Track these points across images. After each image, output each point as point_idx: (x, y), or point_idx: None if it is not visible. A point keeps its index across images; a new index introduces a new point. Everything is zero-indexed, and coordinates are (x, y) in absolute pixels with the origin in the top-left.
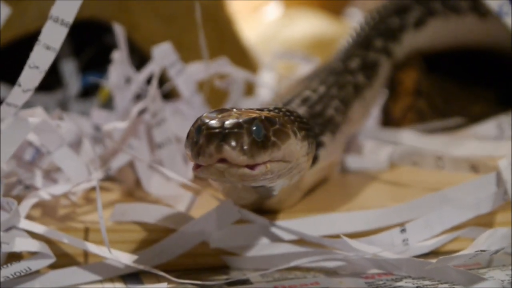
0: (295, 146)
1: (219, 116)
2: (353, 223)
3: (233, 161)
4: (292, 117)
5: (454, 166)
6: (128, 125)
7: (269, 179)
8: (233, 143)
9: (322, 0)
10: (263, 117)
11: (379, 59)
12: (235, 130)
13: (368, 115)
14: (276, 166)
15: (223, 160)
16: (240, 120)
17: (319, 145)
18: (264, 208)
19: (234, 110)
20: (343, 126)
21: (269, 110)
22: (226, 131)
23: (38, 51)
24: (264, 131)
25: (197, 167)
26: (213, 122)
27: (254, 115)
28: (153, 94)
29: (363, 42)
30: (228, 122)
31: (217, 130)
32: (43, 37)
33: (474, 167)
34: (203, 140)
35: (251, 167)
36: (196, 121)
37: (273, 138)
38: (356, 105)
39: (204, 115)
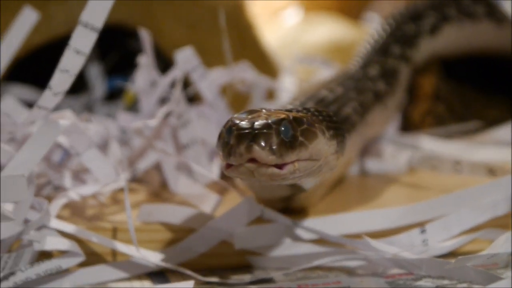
0: (323, 145)
1: (249, 116)
2: (373, 222)
3: (262, 160)
4: (320, 117)
5: (472, 170)
6: (157, 123)
7: (298, 177)
8: (263, 143)
9: (341, 5)
10: (291, 117)
11: (398, 65)
12: (264, 130)
13: (389, 121)
14: (304, 165)
15: (253, 160)
16: (269, 121)
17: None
18: (292, 206)
19: (264, 110)
20: (360, 127)
21: (298, 111)
22: (256, 131)
23: (68, 55)
24: (292, 131)
25: (228, 167)
26: (243, 123)
27: (282, 116)
28: (177, 97)
29: (381, 49)
30: (257, 123)
31: (247, 131)
32: (73, 42)
33: (492, 171)
34: (233, 141)
35: (280, 166)
36: (227, 122)
37: (300, 138)
38: (376, 110)
39: (235, 116)
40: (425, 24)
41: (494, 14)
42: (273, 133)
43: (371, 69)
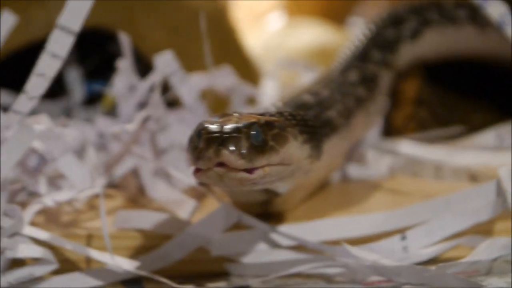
0: (294, 150)
1: (220, 120)
2: (353, 228)
3: (231, 165)
4: (294, 121)
5: (454, 176)
6: (135, 127)
7: (269, 182)
8: (232, 148)
9: (325, 9)
10: (262, 122)
11: (378, 71)
12: (234, 134)
13: (371, 126)
14: (275, 169)
15: (222, 164)
16: (239, 125)
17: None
18: (270, 210)
19: (235, 114)
20: (344, 130)
21: (271, 115)
22: (225, 135)
23: (44, 59)
24: (262, 135)
25: (197, 171)
26: (213, 127)
27: (253, 120)
28: (156, 101)
29: (361, 55)
30: (227, 127)
31: (216, 135)
32: (50, 45)
33: (474, 177)
34: (202, 144)
35: (249, 171)
36: (197, 126)
37: (271, 143)
38: (358, 115)
39: (205, 120)
40: (406, 28)
41: (477, 18)
42: (242, 137)
43: (351, 74)
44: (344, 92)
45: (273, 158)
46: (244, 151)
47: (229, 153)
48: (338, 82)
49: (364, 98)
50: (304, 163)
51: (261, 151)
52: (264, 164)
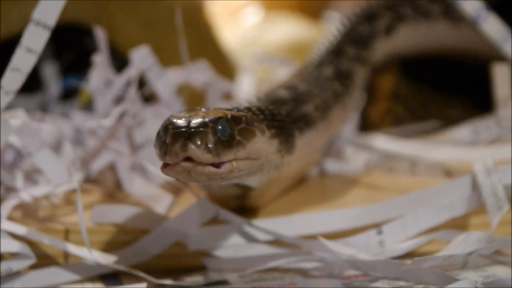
0: (262, 144)
1: (186, 115)
2: (329, 222)
3: (198, 159)
4: (262, 116)
5: (429, 172)
6: (111, 122)
7: (238, 176)
8: (198, 142)
9: (301, 4)
10: (229, 116)
11: (353, 67)
12: (201, 129)
13: (346, 120)
14: (243, 164)
15: (189, 159)
16: (206, 120)
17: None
18: (246, 204)
19: (202, 109)
20: (321, 125)
21: (239, 110)
22: (192, 130)
23: (20, 54)
24: (229, 130)
25: (164, 166)
26: (180, 122)
27: (220, 115)
28: (133, 97)
29: (335, 50)
30: (193, 121)
31: (183, 129)
32: (25, 40)
33: (448, 172)
34: (169, 139)
35: (217, 165)
36: (165, 120)
37: (238, 137)
38: (335, 109)
39: (173, 114)
40: (380, 24)
41: (451, 13)
42: (209, 131)
43: (327, 69)
44: (320, 87)
45: (240, 153)
46: (210, 145)
47: (196, 147)
48: (314, 76)
49: (339, 93)
50: (273, 158)
51: (228, 146)
52: (231, 158)
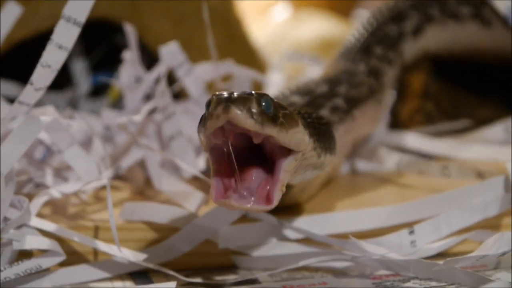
0: (302, 136)
1: (231, 91)
2: (361, 221)
3: (240, 122)
4: (300, 114)
5: (460, 173)
6: (141, 119)
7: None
8: (241, 106)
9: (330, 1)
10: (274, 99)
11: (381, 66)
12: (245, 96)
13: (380, 118)
14: (291, 164)
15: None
16: (251, 92)
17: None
18: (287, 202)
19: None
20: (352, 119)
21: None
22: (235, 96)
23: (50, 50)
24: (273, 109)
25: (218, 198)
26: (224, 92)
27: (265, 93)
28: (162, 92)
29: (364, 50)
30: (237, 93)
31: (226, 96)
32: (56, 37)
33: (480, 174)
34: (212, 106)
35: (268, 200)
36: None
37: (282, 119)
38: (368, 104)
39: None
40: (407, 25)
41: (480, 15)
42: (253, 99)
43: (359, 66)
44: (356, 83)
45: (282, 135)
46: (254, 111)
47: (239, 110)
48: (350, 72)
49: (374, 89)
50: (309, 155)
51: (272, 121)
52: (274, 134)
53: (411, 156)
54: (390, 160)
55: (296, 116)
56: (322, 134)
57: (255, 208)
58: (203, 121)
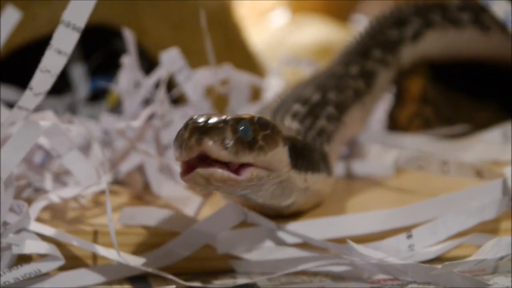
0: (281, 156)
1: (211, 116)
2: (358, 225)
3: (213, 154)
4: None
5: (459, 171)
6: (140, 124)
7: (254, 187)
8: (215, 137)
9: (328, 6)
10: (255, 120)
11: (377, 69)
12: (219, 125)
13: (366, 121)
14: (262, 173)
15: (206, 161)
16: (227, 118)
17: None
18: (291, 211)
19: (227, 114)
20: (338, 133)
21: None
22: (209, 125)
23: (49, 55)
24: (252, 132)
25: (183, 174)
26: (200, 118)
27: (245, 116)
28: (161, 98)
29: (362, 52)
30: (214, 119)
31: (201, 124)
32: (55, 42)
33: (479, 172)
34: (187, 134)
35: (237, 171)
36: (187, 120)
37: (261, 142)
38: (354, 109)
39: (198, 114)
40: (408, 30)
41: (480, 21)
42: (227, 128)
43: (352, 68)
44: (342, 87)
45: (260, 158)
46: (228, 142)
47: (212, 142)
48: (338, 75)
49: (362, 91)
50: (289, 175)
51: (249, 148)
52: (251, 161)
53: (409, 152)
54: (388, 158)
55: (277, 136)
56: (306, 155)
57: (224, 175)
58: (179, 138)
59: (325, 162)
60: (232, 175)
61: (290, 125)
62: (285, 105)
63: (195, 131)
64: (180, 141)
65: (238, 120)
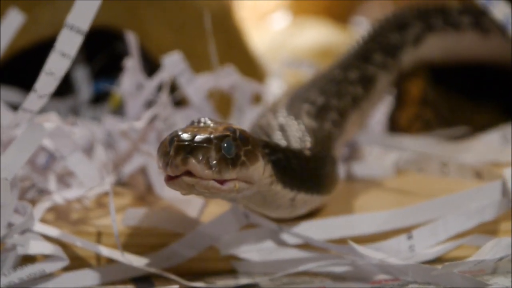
0: (261, 169)
1: (195, 130)
2: (359, 226)
3: (198, 174)
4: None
5: (459, 172)
6: (143, 125)
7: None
8: (200, 157)
9: (329, 9)
10: (237, 135)
11: (377, 73)
12: (204, 144)
13: (363, 124)
14: (243, 186)
15: (191, 174)
16: (211, 136)
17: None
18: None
19: (212, 125)
20: (340, 139)
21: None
22: (195, 144)
23: (53, 57)
24: (235, 149)
25: (168, 179)
26: (185, 135)
27: (227, 133)
28: (164, 101)
29: (363, 55)
30: (198, 136)
31: (186, 143)
32: (59, 44)
33: (479, 174)
34: (172, 151)
35: (221, 182)
36: (172, 132)
37: (243, 158)
38: (354, 115)
39: (183, 127)
40: (409, 34)
41: (480, 24)
42: (212, 148)
43: (351, 73)
44: (341, 92)
45: (242, 173)
46: (213, 162)
47: (196, 162)
48: (337, 81)
49: (360, 96)
50: (264, 182)
51: (232, 164)
52: (234, 177)
53: (409, 154)
54: (388, 159)
55: (257, 150)
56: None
57: (208, 184)
58: (164, 152)
59: (325, 178)
60: (216, 185)
61: (310, 124)
62: (296, 104)
63: (181, 150)
64: (165, 156)
65: (221, 138)
